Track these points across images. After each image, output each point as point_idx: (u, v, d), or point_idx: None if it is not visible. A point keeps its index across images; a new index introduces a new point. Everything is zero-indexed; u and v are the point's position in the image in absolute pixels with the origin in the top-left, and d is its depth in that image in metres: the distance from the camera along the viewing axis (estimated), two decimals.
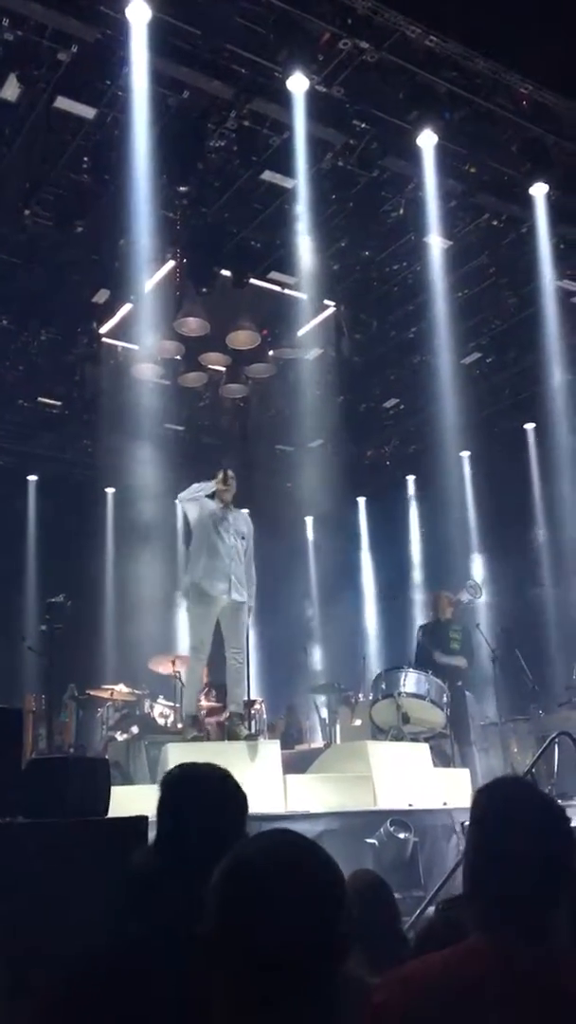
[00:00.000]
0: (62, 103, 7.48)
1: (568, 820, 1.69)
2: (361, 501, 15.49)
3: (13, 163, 8.22)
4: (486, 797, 1.75)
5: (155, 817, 2.23)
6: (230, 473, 7.24)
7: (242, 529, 7.18)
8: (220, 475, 7.21)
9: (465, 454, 13.29)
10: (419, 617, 12.41)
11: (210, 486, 7.19)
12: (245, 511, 7.37)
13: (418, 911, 4.87)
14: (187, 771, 2.33)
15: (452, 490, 13.58)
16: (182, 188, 8.60)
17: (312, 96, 7.68)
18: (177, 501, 7.44)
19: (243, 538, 7.14)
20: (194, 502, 7.20)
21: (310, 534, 15.52)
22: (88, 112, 7.63)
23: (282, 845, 1.44)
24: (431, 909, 4.44)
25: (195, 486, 7.23)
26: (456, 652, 9.11)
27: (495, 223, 9.55)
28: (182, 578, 7.19)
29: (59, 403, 12.30)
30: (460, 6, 7.15)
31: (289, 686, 11.87)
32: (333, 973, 1.37)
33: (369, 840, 5.92)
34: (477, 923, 1.59)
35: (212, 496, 7.21)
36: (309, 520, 15.46)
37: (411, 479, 14.77)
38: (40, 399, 12.14)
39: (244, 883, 1.38)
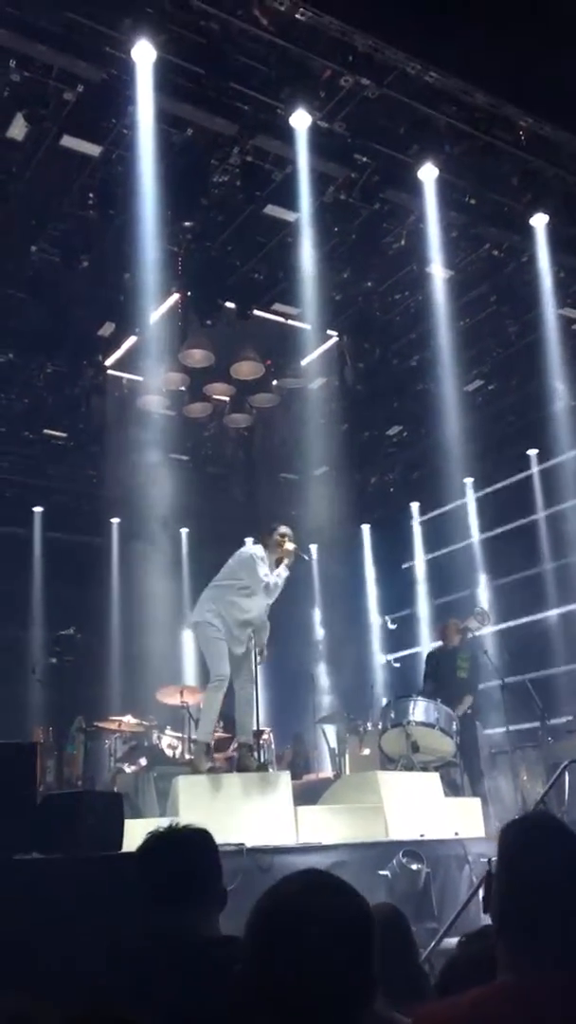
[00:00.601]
0: (68, 141, 7.58)
1: None
2: (366, 528, 15.51)
3: (20, 200, 8.33)
4: (512, 834, 1.75)
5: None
6: (283, 530, 7.10)
7: (274, 591, 7.05)
8: (282, 534, 7.07)
9: (469, 480, 13.33)
10: (426, 644, 12.42)
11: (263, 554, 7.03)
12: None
13: (433, 943, 4.85)
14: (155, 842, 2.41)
15: (457, 516, 13.62)
16: (186, 223, 8.72)
17: (314, 131, 7.79)
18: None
19: (273, 598, 7.09)
20: (264, 564, 7.01)
21: (315, 561, 15.52)
22: (94, 150, 7.73)
23: (316, 886, 1.46)
24: (449, 942, 4.42)
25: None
26: (463, 680, 9.08)
27: (496, 253, 9.65)
28: (202, 608, 7.05)
29: (65, 435, 12.36)
30: (459, 43, 7.25)
31: (296, 715, 11.83)
32: (363, 1012, 1.39)
33: (382, 872, 5.89)
34: (507, 963, 1.59)
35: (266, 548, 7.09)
36: (314, 547, 15.44)
37: (415, 505, 14.79)
38: (46, 431, 12.20)
39: (278, 923, 1.39)
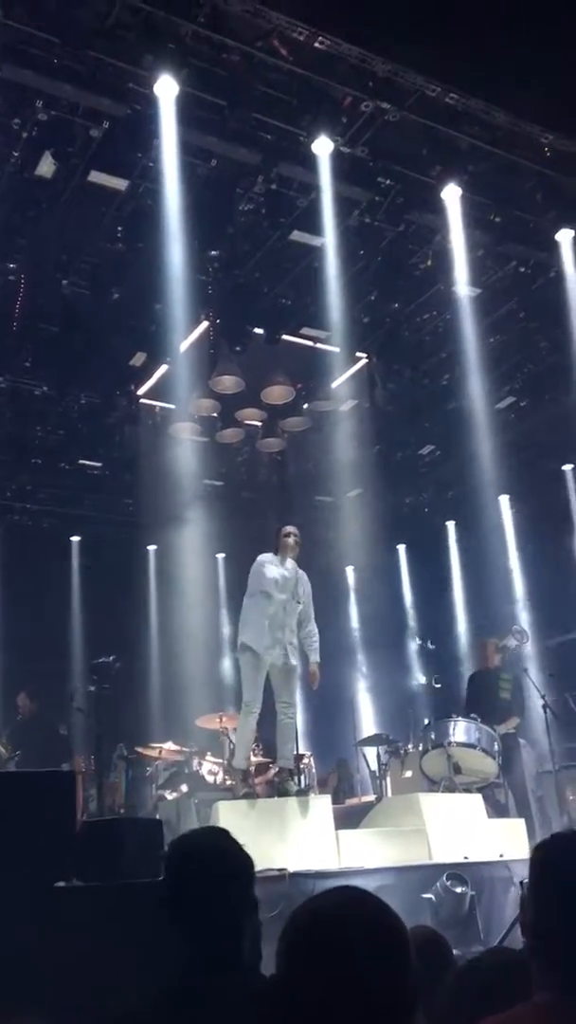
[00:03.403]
0: (96, 177, 7.73)
1: None
2: (401, 548, 15.45)
3: (50, 236, 8.49)
4: (544, 854, 1.74)
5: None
6: (294, 530, 7.23)
7: (299, 592, 7.13)
8: (285, 532, 7.19)
9: (504, 498, 13.24)
10: (466, 664, 12.30)
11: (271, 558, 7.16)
12: (303, 573, 7.31)
13: None
14: (183, 845, 2.38)
15: (493, 534, 13.52)
16: (213, 252, 8.84)
17: (337, 157, 7.88)
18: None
19: (299, 602, 7.13)
20: (271, 566, 7.13)
21: (352, 583, 15.49)
22: (120, 184, 7.88)
23: (350, 900, 1.46)
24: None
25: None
26: (506, 700, 8.96)
27: (523, 269, 9.66)
28: (240, 632, 7.14)
29: (100, 464, 12.51)
30: (478, 64, 7.32)
31: (336, 739, 11.77)
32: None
33: (426, 895, 5.83)
34: (542, 982, 1.57)
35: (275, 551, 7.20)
36: (350, 570, 15.44)
37: (451, 525, 14.71)
38: (81, 461, 12.36)
39: (311, 936, 1.39)
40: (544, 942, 1.61)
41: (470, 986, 2.49)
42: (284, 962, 1.39)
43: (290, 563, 7.15)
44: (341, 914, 1.43)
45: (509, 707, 8.95)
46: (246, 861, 2.28)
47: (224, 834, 2.33)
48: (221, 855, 2.24)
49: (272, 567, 7.09)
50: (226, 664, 12.75)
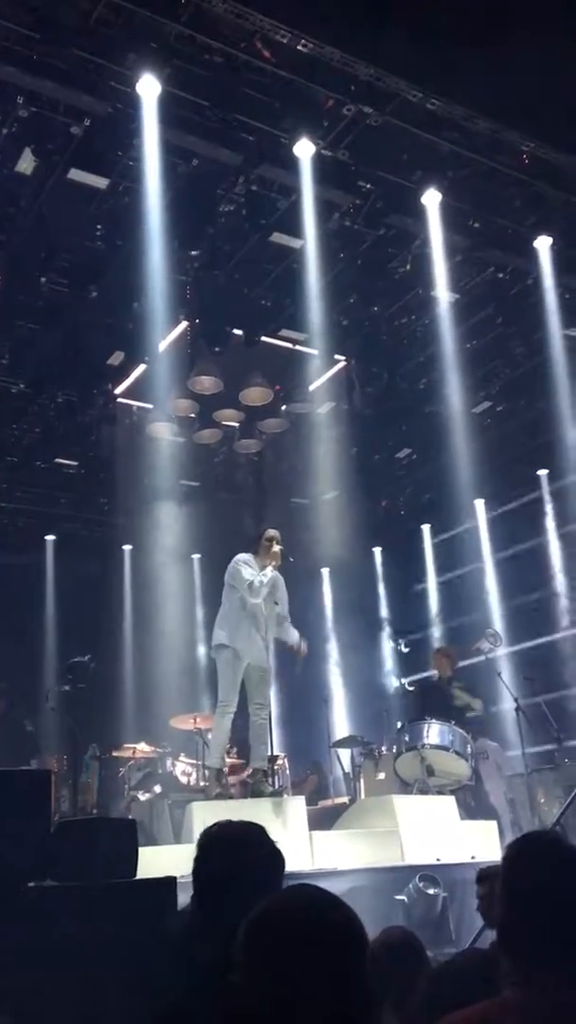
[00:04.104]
0: (76, 174, 7.68)
1: None
2: (377, 551, 15.50)
3: (29, 232, 8.44)
4: (514, 853, 1.76)
5: (191, 875, 2.24)
6: (269, 534, 7.24)
7: (277, 595, 7.17)
8: (269, 537, 7.20)
9: (479, 502, 13.33)
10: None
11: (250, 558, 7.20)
12: (278, 574, 7.31)
13: None
14: (225, 830, 2.35)
15: (468, 538, 13.61)
16: (193, 252, 8.83)
17: (318, 160, 7.91)
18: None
19: (277, 603, 7.15)
20: (249, 568, 7.17)
21: (327, 585, 15.52)
22: (101, 182, 7.84)
23: (304, 899, 1.47)
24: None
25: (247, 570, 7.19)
26: (458, 709, 8.91)
27: (501, 276, 9.73)
28: (216, 631, 7.16)
29: (76, 463, 12.45)
30: (459, 70, 7.35)
31: (310, 741, 11.78)
32: None
33: (398, 896, 5.85)
34: (510, 978, 1.59)
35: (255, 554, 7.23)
36: (326, 572, 15.47)
37: (426, 528, 14.79)
38: (57, 460, 12.29)
39: (267, 934, 1.40)
40: (513, 938, 1.64)
41: (443, 987, 2.51)
42: (239, 964, 1.39)
43: (269, 571, 7.14)
44: (294, 916, 1.43)
45: (462, 714, 8.92)
46: (277, 860, 2.27)
47: (255, 831, 2.33)
48: (252, 848, 2.24)
49: (248, 568, 7.10)
50: (201, 665, 12.74)
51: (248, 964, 1.38)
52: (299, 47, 7.17)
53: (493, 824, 7.62)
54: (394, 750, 8.47)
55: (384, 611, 15.23)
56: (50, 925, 3.79)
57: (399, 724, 8.84)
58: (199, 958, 1.98)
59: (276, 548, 7.15)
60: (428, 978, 2.65)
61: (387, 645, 14.71)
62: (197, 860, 2.25)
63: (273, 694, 7.31)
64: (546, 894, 1.61)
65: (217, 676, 7.20)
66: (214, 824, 2.40)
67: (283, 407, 11.61)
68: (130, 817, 7.78)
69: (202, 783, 8.76)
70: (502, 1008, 1.56)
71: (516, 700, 9.15)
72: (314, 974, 1.33)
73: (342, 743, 10.48)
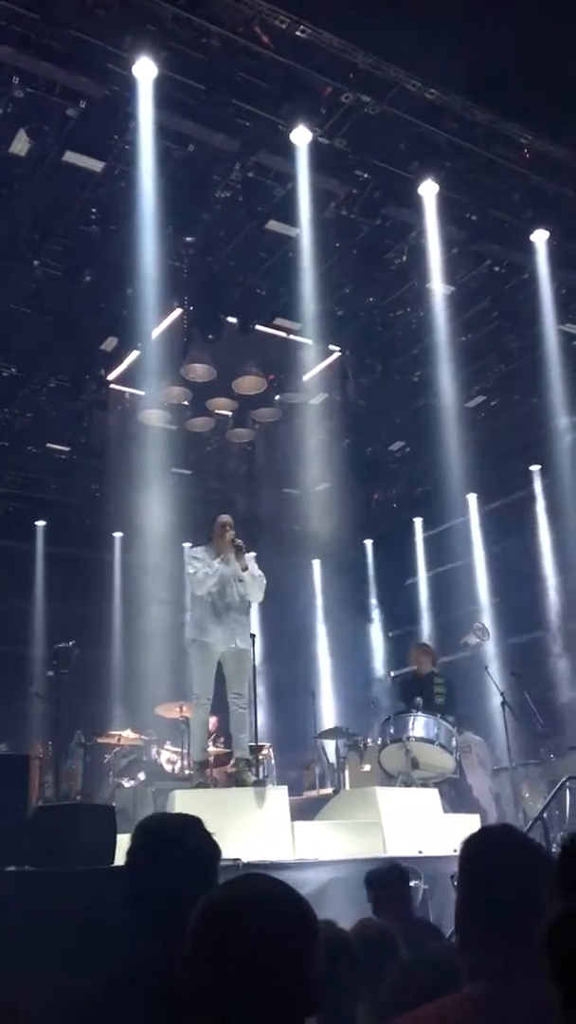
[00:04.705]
0: (70, 157, 7.63)
1: (552, 863, 1.68)
2: (368, 543, 15.50)
3: (23, 215, 8.38)
4: (470, 849, 1.75)
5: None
6: (221, 520, 7.23)
7: (237, 572, 7.11)
8: (221, 524, 7.21)
9: (472, 496, 13.32)
10: None
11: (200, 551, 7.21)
12: (251, 554, 7.32)
13: None
14: (160, 822, 2.35)
15: (460, 532, 13.59)
16: (188, 238, 8.77)
17: (315, 148, 7.84)
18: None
19: (241, 580, 7.11)
20: (197, 561, 7.17)
21: (317, 577, 15.52)
22: (96, 165, 7.78)
23: (255, 888, 1.45)
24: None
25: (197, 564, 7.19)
26: (441, 705, 8.92)
27: (497, 269, 9.69)
28: (187, 629, 7.20)
29: (67, 449, 12.40)
30: (459, 61, 7.30)
31: (297, 731, 11.78)
32: (302, 1019, 1.36)
33: None
34: (471, 974, 1.58)
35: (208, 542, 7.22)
36: (316, 563, 15.46)
37: (418, 521, 14.77)
38: (49, 445, 12.24)
39: (213, 925, 1.38)
40: (470, 933, 1.62)
41: (415, 979, 2.50)
42: (189, 957, 1.37)
43: (217, 561, 7.11)
44: (244, 907, 1.42)
45: (444, 711, 8.91)
46: (210, 848, 2.26)
47: (189, 820, 2.31)
48: (183, 840, 2.22)
49: (196, 561, 7.13)
50: (188, 654, 12.71)
51: (198, 957, 1.36)
52: (297, 33, 7.11)
53: (476, 818, 7.61)
54: (379, 742, 8.47)
55: (374, 603, 15.23)
56: (28, 909, 3.78)
57: (385, 716, 8.84)
58: (136, 952, 1.98)
59: (229, 534, 7.11)
60: (400, 968, 2.63)
61: (376, 638, 14.74)
62: (130, 853, 2.25)
63: (260, 685, 7.28)
64: (502, 888, 1.59)
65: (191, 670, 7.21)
66: (148, 816, 2.42)
67: (276, 396, 11.59)
68: (114, 804, 7.78)
69: (186, 771, 8.75)
70: (460, 1004, 1.54)
71: (502, 694, 9.15)
72: (265, 965, 1.31)
73: (327, 734, 10.49)
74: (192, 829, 2.28)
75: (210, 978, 1.33)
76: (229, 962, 1.32)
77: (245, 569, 7.08)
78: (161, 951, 2.03)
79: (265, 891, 1.45)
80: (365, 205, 8.55)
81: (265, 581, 7.21)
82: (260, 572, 7.20)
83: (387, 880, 4.21)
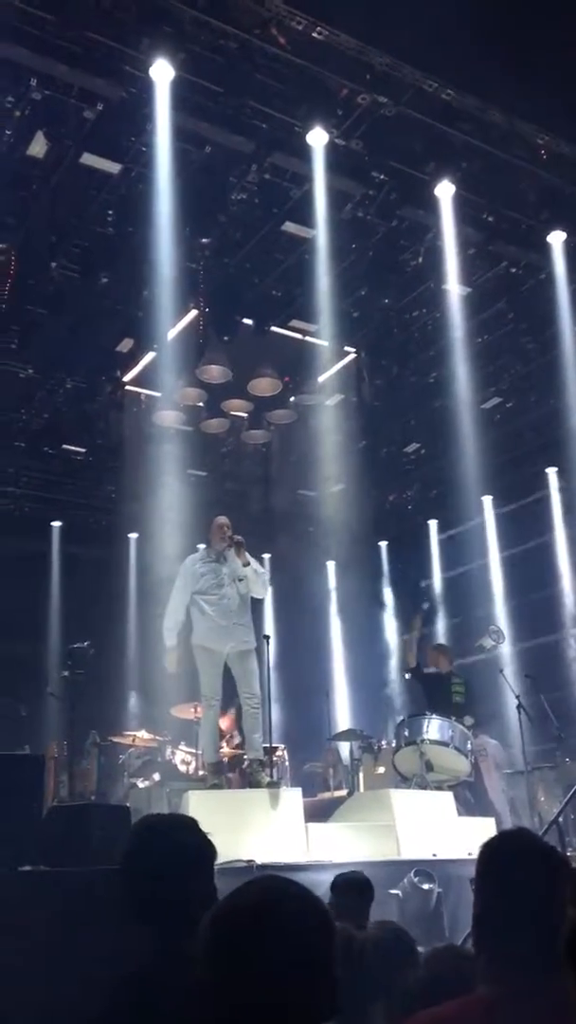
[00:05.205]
0: (88, 159, 7.65)
1: (570, 867, 1.68)
2: (383, 545, 15.47)
3: (40, 217, 8.40)
4: (488, 852, 1.74)
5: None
6: (219, 522, 7.26)
7: (238, 572, 7.12)
8: (218, 525, 7.25)
9: (487, 498, 13.27)
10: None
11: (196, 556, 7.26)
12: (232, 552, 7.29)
13: None
14: (154, 823, 2.35)
15: (475, 534, 13.55)
16: (204, 240, 8.78)
17: (331, 149, 7.84)
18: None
19: (241, 579, 7.11)
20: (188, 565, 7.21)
21: (332, 578, 15.50)
22: (113, 167, 7.80)
23: (270, 891, 1.44)
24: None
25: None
26: (460, 704, 8.91)
27: (513, 270, 9.64)
28: (192, 635, 7.23)
29: (83, 450, 12.44)
30: (475, 62, 7.28)
31: (311, 733, 11.77)
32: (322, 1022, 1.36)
33: (393, 891, 5.82)
34: (485, 975, 1.57)
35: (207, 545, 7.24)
36: (331, 564, 15.44)
37: (433, 523, 14.74)
38: (65, 446, 12.28)
39: (231, 928, 1.38)
40: (486, 935, 1.62)
41: (432, 980, 2.49)
42: (205, 959, 1.36)
43: (225, 554, 7.15)
44: (259, 911, 1.41)
45: (463, 711, 8.90)
46: (207, 851, 2.26)
47: (185, 823, 2.31)
48: (181, 845, 2.22)
49: (192, 565, 7.19)
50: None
51: (216, 959, 1.36)
52: (314, 34, 7.12)
53: (491, 821, 7.59)
54: (394, 744, 8.45)
55: (389, 604, 15.20)
56: (41, 909, 3.78)
57: (400, 718, 8.82)
58: (135, 952, 1.98)
59: (222, 533, 7.16)
60: (415, 972, 2.62)
61: (391, 640, 14.69)
62: (125, 855, 2.25)
63: (274, 686, 7.26)
64: (519, 891, 1.59)
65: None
66: (143, 817, 2.42)
67: (291, 398, 11.59)
68: (128, 804, 7.80)
69: (200, 772, 8.76)
70: (474, 1006, 1.54)
71: (518, 697, 9.11)
72: (285, 968, 1.30)
73: (341, 736, 10.47)
74: (185, 829, 2.28)
75: (229, 981, 1.32)
76: (248, 965, 1.31)
77: (246, 565, 7.09)
78: (161, 951, 2.03)
79: (283, 894, 1.44)
80: (381, 206, 8.54)
81: (268, 576, 7.23)
82: (262, 568, 7.21)
83: (344, 889, 4.16)
